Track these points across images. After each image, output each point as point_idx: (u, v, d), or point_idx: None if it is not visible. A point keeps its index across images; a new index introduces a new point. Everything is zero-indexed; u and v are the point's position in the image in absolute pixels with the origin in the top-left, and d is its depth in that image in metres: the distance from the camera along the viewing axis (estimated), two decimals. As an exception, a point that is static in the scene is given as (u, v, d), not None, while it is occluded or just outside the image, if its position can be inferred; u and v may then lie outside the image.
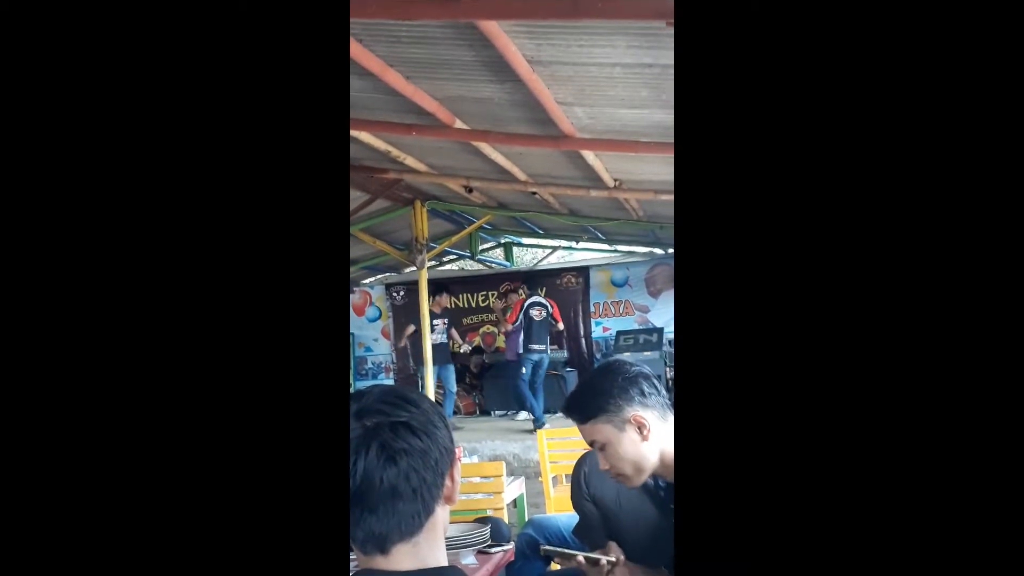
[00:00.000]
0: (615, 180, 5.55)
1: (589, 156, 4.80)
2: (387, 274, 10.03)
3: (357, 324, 9.56)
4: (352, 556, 0.89)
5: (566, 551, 1.84)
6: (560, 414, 5.30)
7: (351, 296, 9.46)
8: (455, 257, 10.27)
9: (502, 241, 10.26)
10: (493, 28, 2.83)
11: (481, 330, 9.27)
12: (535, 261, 11.99)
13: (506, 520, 2.92)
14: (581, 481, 2.01)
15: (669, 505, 1.67)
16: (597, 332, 8.94)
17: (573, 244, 10.41)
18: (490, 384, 8.36)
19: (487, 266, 10.46)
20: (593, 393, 1.60)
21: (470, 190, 6.38)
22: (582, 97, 3.68)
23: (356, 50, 3.16)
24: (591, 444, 1.63)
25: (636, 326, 8.52)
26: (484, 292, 9.28)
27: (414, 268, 7.68)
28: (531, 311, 7.15)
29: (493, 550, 2.15)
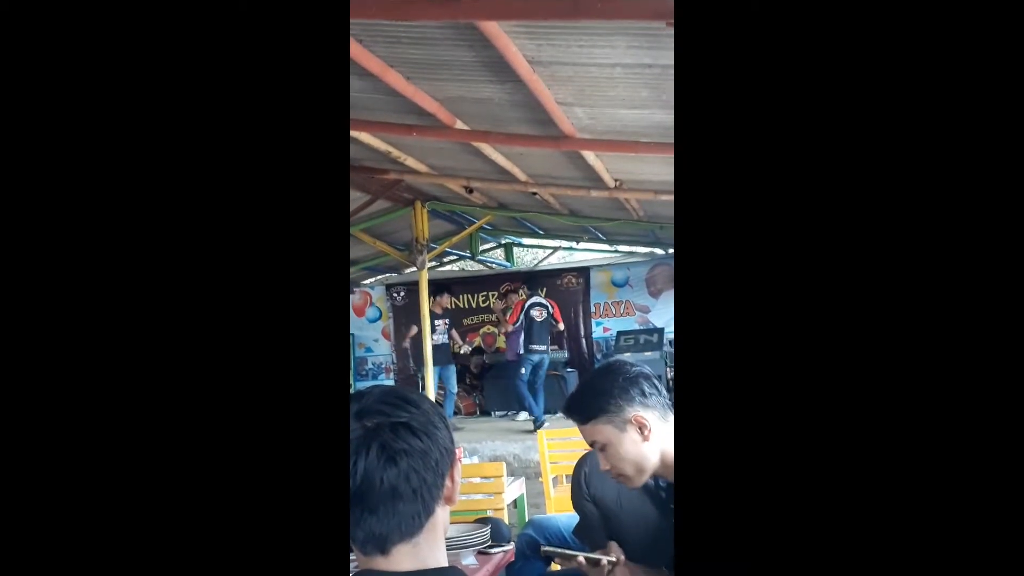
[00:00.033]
0: (615, 180, 5.56)
1: (589, 156, 4.80)
2: (387, 275, 10.03)
3: (357, 325, 9.56)
4: (352, 556, 0.89)
5: (566, 551, 1.84)
6: (560, 414, 5.30)
7: (351, 297, 9.46)
8: (455, 258, 10.27)
9: (502, 241, 10.26)
10: (493, 29, 2.84)
11: (481, 330, 9.27)
12: (536, 261, 12.00)
13: (506, 521, 2.92)
14: (581, 481, 2.01)
15: (670, 505, 1.67)
16: (598, 332, 8.94)
17: (573, 244, 10.42)
18: (490, 385, 8.36)
19: (487, 267, 10.47)
20: (594, 393, 1.60)
21: (470, 191, 6.38)
22: (582, 97, 3.69)
23: (356, 51, 3.16)
24: (592, 444, 1.63)
25: (637, 326, 8.52)
26: (484, 293, 9.28)
27: (414, 269, 7.69)
28: (532, 311, 7.15)
29: (493, 551, 2.15)
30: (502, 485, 3.18)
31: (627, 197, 6.04)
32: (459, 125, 4.27)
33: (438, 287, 7.63)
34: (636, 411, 1.56)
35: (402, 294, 9.38)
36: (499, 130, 4.44)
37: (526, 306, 7.18)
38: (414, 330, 7.45)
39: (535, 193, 6.35)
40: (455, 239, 8.39)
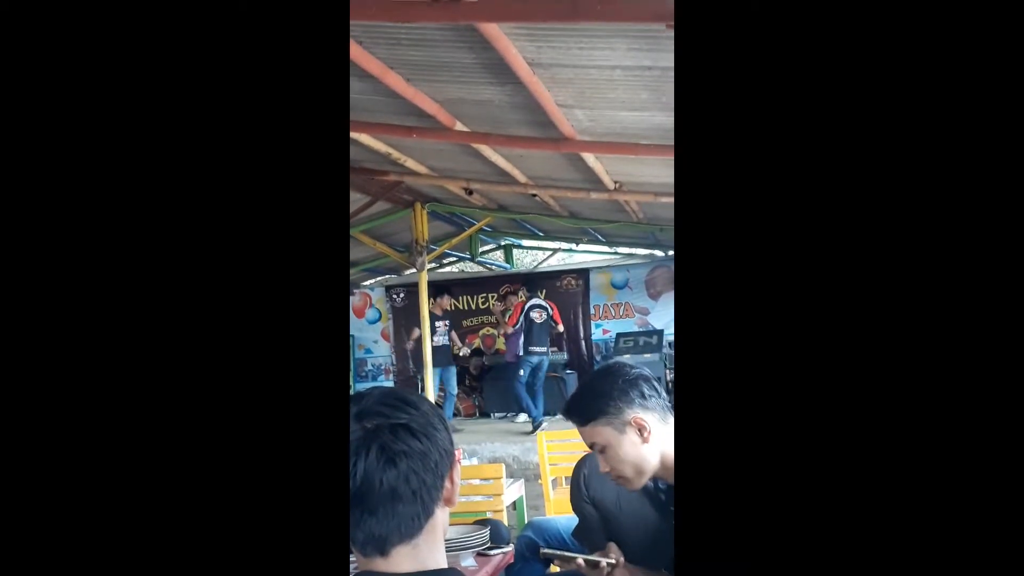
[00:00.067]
0: (615, 182, 5.55)
1: (589, 158, 4.80)
2: (387, 276, 10.03)
3: (357, 326, 9.55)
4: (352, 558, 0.89)
5: (566, 553, 1.84)
6: (560, 416, 5.29)
7: (351, 298, 9.46)
8: (455, 259, 10.27)
9: (502, 243, 10.26)
10: (493, 31, 2.84)
11: (481, 332, 9.27)
12: (535, 263, 12.00)
13: (505, 522, 2.92)
14: (581, 483, 2.01)
15: (669, 507, 1.67)
16: (597, 334, 8.93)
17: (573, 246, 10.41)
18: (490, 386, 8.36)
19: (487, 268, 10.46)
20: (593, 395, 1.60)
21: (470, 192, 6.38)
22: (582, 99, 3.69)
23: (356, 52, 3.16)
24: (591, 446, 1.63)
25: (636, 328, 8.51)
26: (484, 294, 9.27)
27: (414, 270, 7.69)
28: (531, 313, 7.15)
29: (492, 552, 2.15)
30: (501, 487, 3.18)
31: (627, 199, 6.04)
32: (459, 127, 4.27)
33: (438, 288, 7.62)
34: (636, 413, 1.56)
35: (402, 295, 9.37)
36: (499, 132, 4.44)
37: (526, 308, 7.17)
38: (416, 333, 7.43)
39: (535, 195, 6.35)
40: (455, 241, 8.39)
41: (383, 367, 9.63)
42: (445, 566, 0.89)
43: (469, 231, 8.43)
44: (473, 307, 9.33)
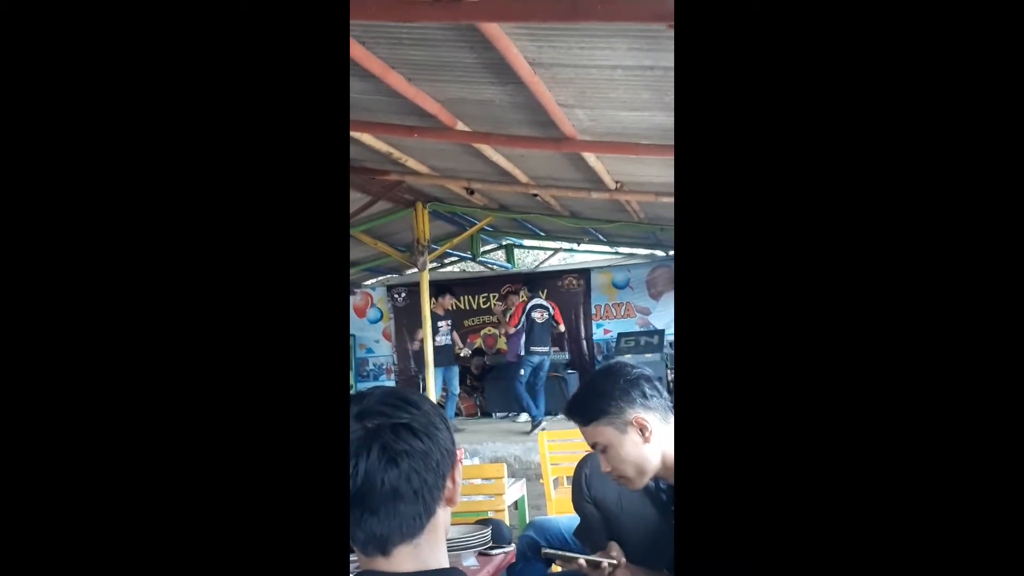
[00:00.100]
0: (616, 182, 5.56)
1: (590, 158, 4.80)
2: (388, 276, 10.03)
3: (358, 326, 9.56)
4: (353, 557, 0.89)
5: (567, 553, 1.84)
6: (561, 416, 5.29)
7: (352, 298, 9.46)
8: (456, 259, 10.27)
9: (503, 243, 10.27)
10: (494, 30, 2.84)
11: (482, 332, 9.27)
12: (536, 263, 12.00)
13: (507, 522, 2.92)
14: (582, 483, 2.01)
15: (671, 507, 1.67)
16: (598, 334, 8.93)
17: (574, 246, 10.41)
18: (491, 386, 8.36)
19: (488, 268, 10.47)
20: (595, 395, 1.61)
21: (471, 192, 6.39)
22: (583, 99, 3.69)
23: (358, 52, 3.16)
24: (593, 446, 1.63)
25: (637, 328, 8.51)
26: (485, 294, 9.27)
27: (415, 270, 7.69)
28: (533, 313, 7.15)
29: (494, 552, 2.15)
30: (503, 487, 3.18)
31: (628, 199, 6.04)
32: (460, 126, 4.27)
33: (440, 288, 7.63)
34: (637, 413, 1.56)
35: (403, 295, 9.38)
36: (500, 132, 4.44)
37: (527, 308, 7.17)
38: (420, 333, 7.43)
39: (536, 195, 6.35)
40: (456, 240, 8.39)
41: (384, 367, 9.64)
42: (447, 566, 0.90)
43: (470, 231, 8.44)
44: (475, 307, 9.33)
